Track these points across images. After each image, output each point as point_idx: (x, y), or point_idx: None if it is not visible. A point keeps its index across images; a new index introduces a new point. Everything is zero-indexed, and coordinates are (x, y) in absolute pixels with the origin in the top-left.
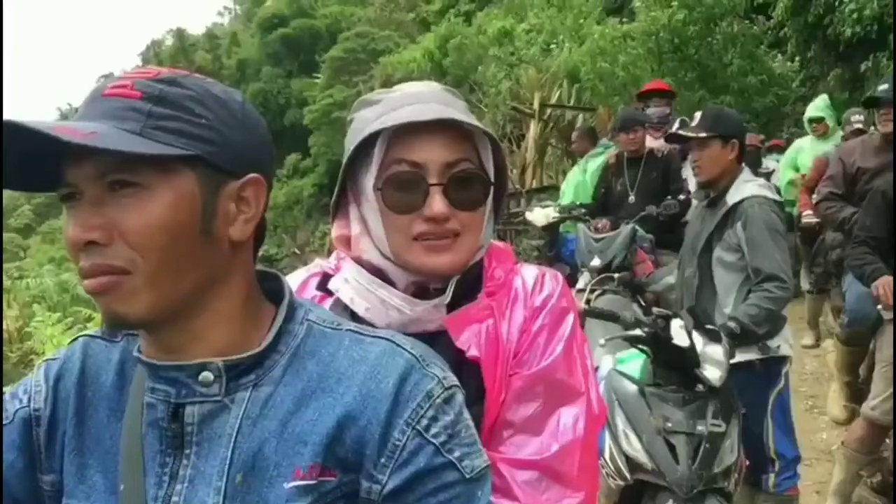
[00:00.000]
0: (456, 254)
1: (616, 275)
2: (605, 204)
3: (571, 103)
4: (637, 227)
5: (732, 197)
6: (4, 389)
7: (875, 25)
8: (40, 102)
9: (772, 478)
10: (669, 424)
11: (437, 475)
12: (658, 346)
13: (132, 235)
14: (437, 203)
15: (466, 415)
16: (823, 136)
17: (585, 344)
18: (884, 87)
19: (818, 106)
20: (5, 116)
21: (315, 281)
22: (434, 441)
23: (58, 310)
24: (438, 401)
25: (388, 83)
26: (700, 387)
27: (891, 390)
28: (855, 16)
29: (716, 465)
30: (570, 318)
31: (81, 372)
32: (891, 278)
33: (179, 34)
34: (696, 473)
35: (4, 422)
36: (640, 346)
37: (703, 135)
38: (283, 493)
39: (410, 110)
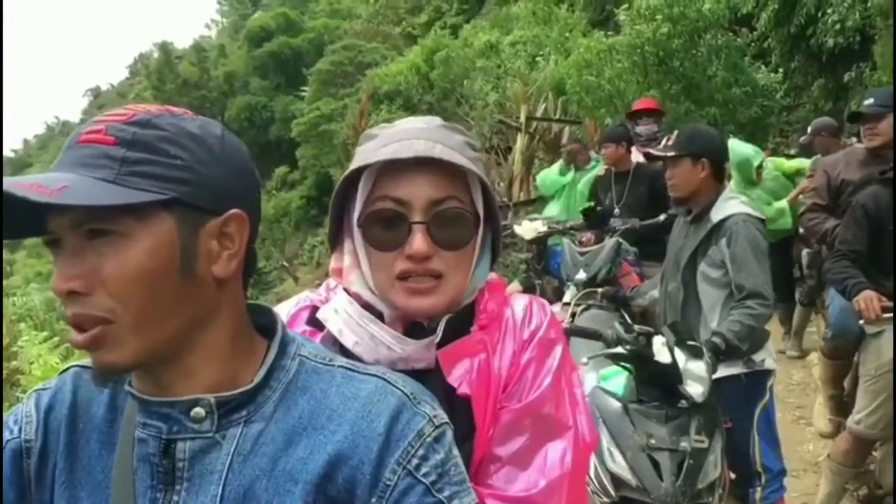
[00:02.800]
0: (438, 296)
1: (600, 289)
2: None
3: (557, 116)
4: (621, 241)
5: (716, 214)
6: None
7: (857, 36)
8: (28, 117)
9: (759, 491)
10: (653, 441)
11: None
12: (640, 364)
13: (111, 285)
14: (418, 241)
15: (456, 452)
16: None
17: (574, 373)
18: (868, 101)
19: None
20: None
21: (305, 315)
22: (424, 480)
23: (45, 328)
24: (429, 439)
25: (374, 96)
26: (683, 403)
27: (875, 404)
28: (837, 27)
29: (700, 480)
30: (559, 350)
31: (73, 403)
32: (872, 293)
33: (164, 48)
34: (680, 489)
35: None
36: (623, 364)
37: (671, 154)
38: None
39: (396, 147)
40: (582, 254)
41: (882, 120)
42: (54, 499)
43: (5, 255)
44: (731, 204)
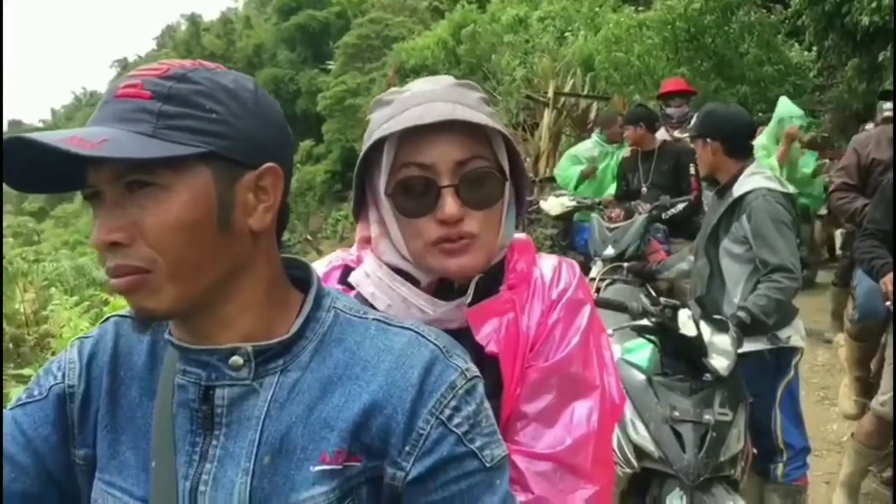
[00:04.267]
0: (474, 255)
1: (626, 264)
2: (626, 197)
3: (585, 92)
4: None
5: (738, 189)
6: (22, 371)
7: (893, 15)
8: (56, 87)
9: (780, 468)
10: (676, 413)
11: (459, 464)
12: (666, 336)
13: (151, 236)
14: (450, 205)
15: (487, 405)
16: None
17: (603, 335)
18: None
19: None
20: (15, 122)
21: (337, 274)
22: (456, 431)
23: (74, 293)
24: (461, 391)
25: (401, 70)
26: (707, 376)
27: None
28: (873, 5)
29: (722, 453)
30: (587, 311)
31: (114, 351)
32: None
33: (192, 19)
34: (702, 461)
35: (38, 397)
36: (648, 336)
37: (686, 135)
38: (309, 475)
39: (416, 112)
40: (611, 230)
41: None
42: (97, 441)
43: (32, 225)
44: (753, 179)
